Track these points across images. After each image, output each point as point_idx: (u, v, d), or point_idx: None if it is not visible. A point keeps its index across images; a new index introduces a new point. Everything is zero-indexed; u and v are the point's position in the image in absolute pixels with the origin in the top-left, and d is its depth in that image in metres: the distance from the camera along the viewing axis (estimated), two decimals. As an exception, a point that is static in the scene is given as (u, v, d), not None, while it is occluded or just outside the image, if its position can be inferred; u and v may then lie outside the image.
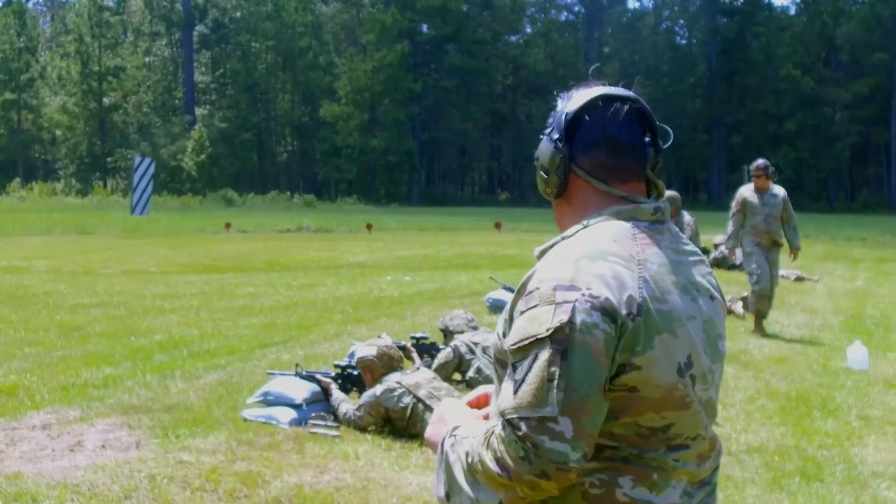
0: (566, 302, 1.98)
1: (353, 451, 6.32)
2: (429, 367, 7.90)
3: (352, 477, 5.82)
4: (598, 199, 2.21)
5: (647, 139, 2.24)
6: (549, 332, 1.97)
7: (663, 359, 2.03)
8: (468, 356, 8.22)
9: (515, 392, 1.98)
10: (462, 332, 8.55)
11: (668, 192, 13.15)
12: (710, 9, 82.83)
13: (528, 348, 1.99)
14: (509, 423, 1.97)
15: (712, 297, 2.21)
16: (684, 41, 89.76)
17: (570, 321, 1.96)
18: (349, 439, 6.62)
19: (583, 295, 1.99)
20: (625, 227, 2.13)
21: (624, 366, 2.00)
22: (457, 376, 8.34)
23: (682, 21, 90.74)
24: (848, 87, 74.17)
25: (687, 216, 14.57)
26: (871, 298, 16.27)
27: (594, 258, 2.05)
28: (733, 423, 7.28)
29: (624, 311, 2.00)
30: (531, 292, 2.06)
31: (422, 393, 6.75)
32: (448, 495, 2.15)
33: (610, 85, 2.27)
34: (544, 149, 2.26)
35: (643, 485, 2.06)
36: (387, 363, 7.08)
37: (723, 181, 79.77)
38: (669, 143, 2.30)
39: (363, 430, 6.87)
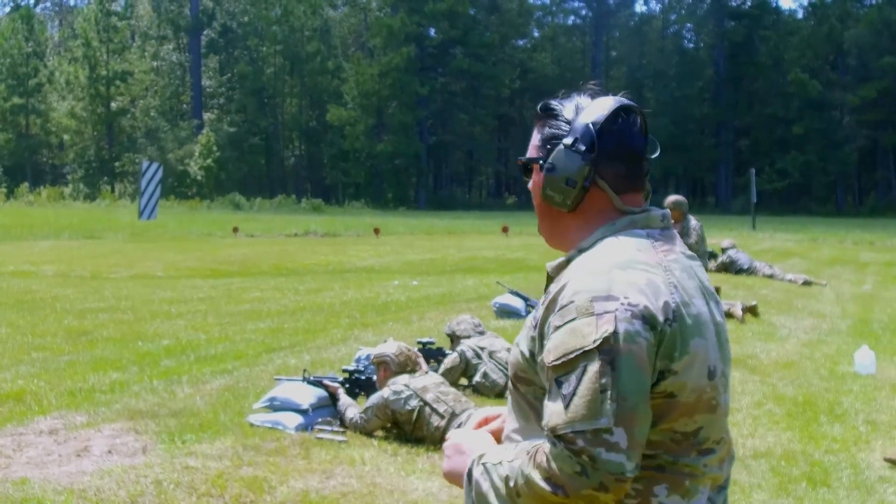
0: (607, 312, 1.98)
1: (360, 457, 6.32)
2: (435, 371, 7.90)
3: (358, 482, 5.82)
4: (611, 211, 2.21)
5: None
6: (597, 342, 1.96)
7: (698, 363, 2.05)
8: (475, 361, 8.21)
9: (567, 406, 1.96)
10: (469, 336, 8.55)
11: (675, 197, 13.14)
12: (718, 13, 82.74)
13: (575, 362, 1.98)
14: (562, 439, 1.95)
15: (717, 302, 2.23)
16: (692, 45, 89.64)
17: (615, 331, 1.96)
18: (355, 444, 6.62)
19: (622, 304, 1.98)
20: (640, 234, 2.15)
21: (663, 372, 2.01)
22: (463, 381, 8.34)
23: (689, 25, 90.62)
24: (856, 90, 74.04)
25: (693, 220, 14.52)
26: (878, 303, 16.22)
27: (625, 267, 2.05)
28: (740, 428, 7.26)
29: (662, 318, 2.00)
30: (565, 306, 2.04)
31: (429, 397, 6.75)
32: None
33: (603, 92, 2.29)
34: (569, 159, 2.19)
35: (677, 492, 2.07)
36: (402, 363, 7.08)
37: (730, 185, 79.71)
38: (657, 153, 2.31)
39: (370, 433, 6.87)
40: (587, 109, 2.22)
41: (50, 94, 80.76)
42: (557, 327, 2.03)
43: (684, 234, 12.57)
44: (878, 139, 75.09)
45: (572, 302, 2.02)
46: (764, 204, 57.70)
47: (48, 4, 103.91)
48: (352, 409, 7.07)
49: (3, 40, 78.71)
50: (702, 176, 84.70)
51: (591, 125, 2.18)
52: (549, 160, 2.22)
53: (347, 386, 7.53)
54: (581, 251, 2.18)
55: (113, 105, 75.85)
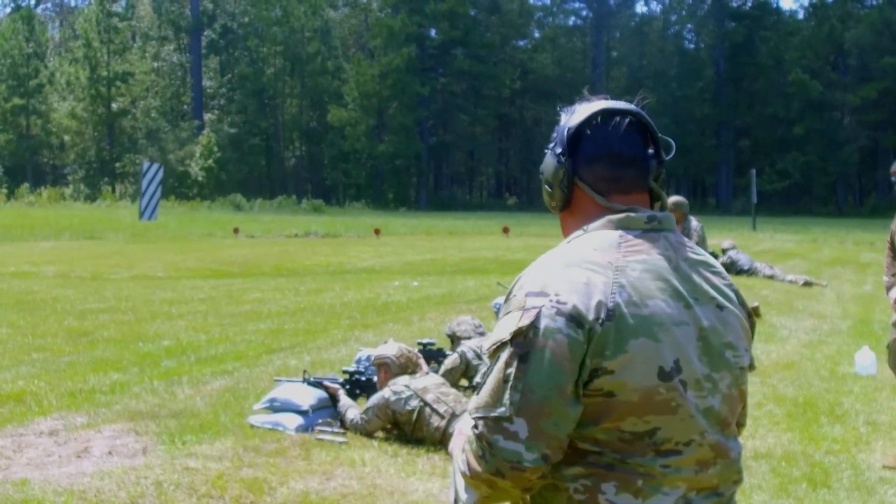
0: (533, 308, 2.05)
1: (360, 458, 6.32)
2: (436, 372, 7.89)
3: (358, 483, 5.82)
4: (598, 211, 2.25)
5: (650, 151, 2.27)
6: (511, 335, 2.05)
7: (640, 363, 2.04)
8: (475, 362, 8.21)
9: (478, 392, 2.09)
10: (469, 337, 8.55)
11: (676, 198, 13.13)
12: (719, 13, 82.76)
13: (496, 351, 2.08)
14: (473, 423, 2.07)
15: (720, 307, 2.19)
16: (692, 45, 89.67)
17: (534, 325, 2.03)
18: (356, 446, 6.62)
19: (550, 301, 2.04)
20: (612, 235, 2.17)
21: (596, 370, 2.03)
22: (463, 382, 8.34)
23: (690, 25, 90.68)
24: (856, 91, 74.10)
25: (694, 221, 14.54)
26: (879, 303, 16.18)
27: (570, 265, 2.11)
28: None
29: (592, 317, 2.03)
30: (509, 298, 2.16)
31: (429, 397, 6.75)
32: (455, 501, 2.25)
33: (613, 97, 2.33)
34: (548, 163, 2.32)
35: (627, 491, 2.06)
36: (403, 364, 7.08)
37: (731, 185, 79.72)
38: (672, 154, 2.33)
39: (370, 434, 6.87)
40: (571, 115, 2.31)
41: (51, 94, 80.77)
42: (500, 318, 2.16)
43: (685, 235, 12.55)
44: (878, 139, 75.12)
45: (515, 295, 2.13)
46: (764, 204, 57.71)
47: (49, 5, 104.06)
48: (352, 410, 7.07)
49: (4, 41, 78.75)
50: (702, 176, 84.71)
51: (566, 130, 2.29)
52: (541, 165, 2.37)
53: (348, 387, 7.53)
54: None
55: (114, 106, 75.88)
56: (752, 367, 2.33)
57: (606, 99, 2.32)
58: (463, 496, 2.17)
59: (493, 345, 2.09)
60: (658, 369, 2.05)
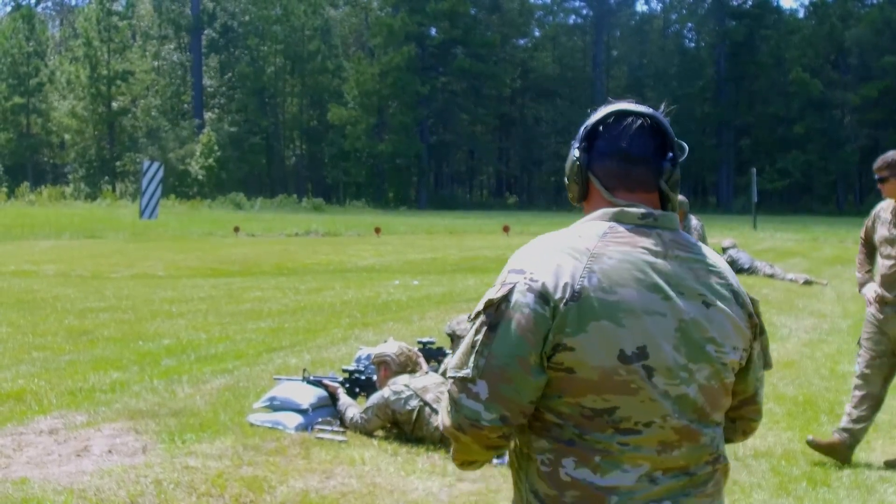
0: (509, 283, 2.23)
1: (360, 457, 6.32)
2: (436, 371, 7.89)
3: (358, 482, 5.82)
4: (605, 205, 2.36)
5: (667, 153, 2.39)
6: (483, 305, 2.24)
7: (599, 343, 2.16)
8: (475, 361, 8.19)
9: (453, 354, 2.30)
10: (468, 336, 8.54)
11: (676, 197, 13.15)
12: (719, 12, 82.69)
13: (474, 319, 2.26)
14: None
15: (706, 303, 2.27)
16: (693, 44, 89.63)
17: (506, 298, 2.20)
18: (355, 444, 6.62)
19: (524, 278, 2.21)
20: (602, 226, 2.30)
21: (558, 345, 2.17)
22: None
23: (690, 24, 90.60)
24: (857, 90, 74.06)
25: (694, 220, 14.52)
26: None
27: (551, 249, 2.27)
28: (740, 428, 7.25)
29: (557, 296, 2.17)
30: (500, 275, 2.32)
31: (429, 397, 6.75)
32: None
33: (616, 97, 2.48)
34: (569, 157, 2.47)
35: (586, 466, 2.20)
36: (403, 363, 7.09)
37: (731, 184, 79.70)
38: (684, 156, 2.43)
39: (370, 433, 6.87)
40: (593, 114, 2.45)
41: (51, 93, 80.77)
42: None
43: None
44: (879, 138, 74.95)
45: (502, 272, 2.30)
46: (765, 203, 57.71)
47: (49, 4, 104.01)
48: (352, 408, 7.07)
49: (4, 40, 78.76)
50: (703, 175, 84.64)
51: (583, 128, 2.44)
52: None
53: (347, 386, 7.53)
54: None
55: (114, 104, 75.86)
56: (768, 365, 2.47)
57: (631, 102, 2.43)
58: None
59: (473, 312, 2.27)
60: (619, 352, 2.17)
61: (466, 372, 2.20)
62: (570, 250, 2.24)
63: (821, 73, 76.45)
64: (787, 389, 8.87)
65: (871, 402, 6.66)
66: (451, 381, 2.24)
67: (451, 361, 2.27)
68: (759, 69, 79.06)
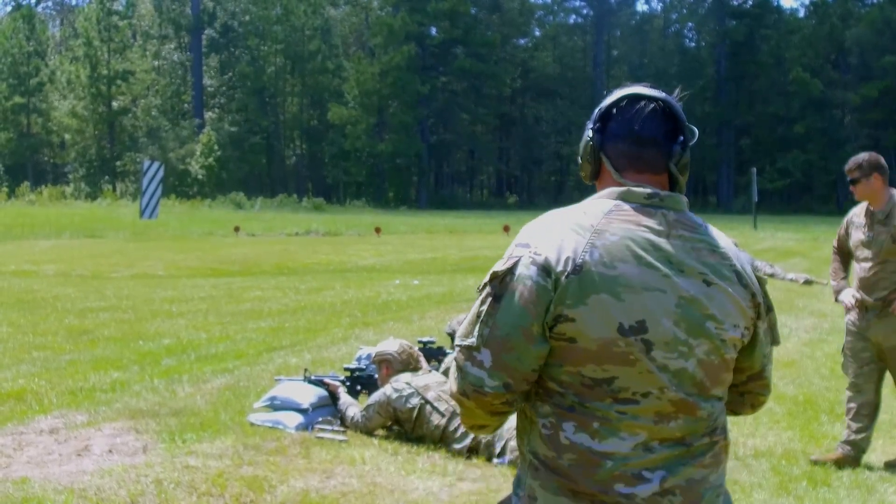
0: (515, 256, 2.31)
1: (360, 456, 6.32)
2: (436, 371, 7.89)
3: (358, 482, 5.82)
4: (614, 185, 2.44)
5: (678, 137, 2.48)
6: (490, 277, 2.32)
7: (598, 316, 2.24)
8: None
9: (461, 323, 2.36)
10: (469, 335, 8.53)
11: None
12: (719, 12, 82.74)
13: (481, 290, 2.35)
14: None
15: (707, 282, 2.33)
16: (693, 44, 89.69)
17: (510, 271, 2.29)
18: (356, 444, 6.62)
19: (529, 252, 2.30)
20: (608, 203, 2.38)
21: (559, 316, 2.25)
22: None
23: (690, 24, 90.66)
24: (857, 89, 74.09)
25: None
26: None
27: (556, 225, 2.34)
28: (741, 427, 7.26)
29: (559, 269, 2.25)
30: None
31: (430, 395, 6.75)
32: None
33: (651, 86, 2.53)
34: (583, 138, 2.55)
35: (585, 431, 2.28)
36: (405, 360, 7.09)
37: (732, 184, 79.71)
38: (694, 140, 2.53)
39: (371, 432, 6.87)
40: (607, 96, 2.53)
41: (51, 93, 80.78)
42: None
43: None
44: (879, 138, 74.99)
45: (510, 245, 2.38)
46: (765, 203, 57.71)
47: (49, 4, 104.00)
48: (352, 408, 7.07)
49: (5, 39, 78.75)
50: (703, 175, 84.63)
51: (598, 110, 2.52)
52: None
53: (349, 384, 7.53)
54: None
55: (114, 104, 75.89)
56: (775, 341, 2.55)
57: (646, 86, 2.50)
58: None
59: (480, 284, 2.35)
60: (618, 325, 2.25)
61: (471, 341, 2.29)
62: (575, 226, 2.31)
63: (821, 72, 76.48)
64: (788, 389, 8.87)
65: (868, 410, 6.67)
66: (458, 349, 2.33)
67: (458, 330, 2.35)
68: (760, 69, 79.10)
